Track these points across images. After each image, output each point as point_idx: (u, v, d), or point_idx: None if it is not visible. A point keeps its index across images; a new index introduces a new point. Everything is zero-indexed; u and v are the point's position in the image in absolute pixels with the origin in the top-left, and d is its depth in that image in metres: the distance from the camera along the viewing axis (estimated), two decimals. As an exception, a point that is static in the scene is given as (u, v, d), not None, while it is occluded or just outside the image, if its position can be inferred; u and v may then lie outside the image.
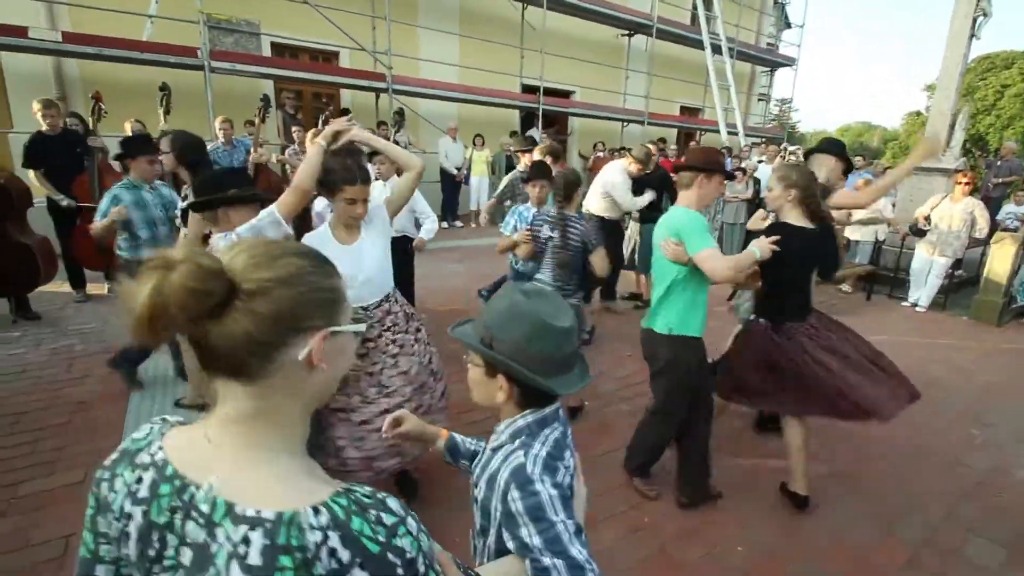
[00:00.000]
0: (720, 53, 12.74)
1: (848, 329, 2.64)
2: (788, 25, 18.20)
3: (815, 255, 2.50)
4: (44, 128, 4.51)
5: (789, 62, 16.17)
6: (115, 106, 5.31)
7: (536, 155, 4.50)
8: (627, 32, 12.65)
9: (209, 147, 6.00)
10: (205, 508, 0.61)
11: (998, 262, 5.81)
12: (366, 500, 0.64)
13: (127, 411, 3.13)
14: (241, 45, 7.91)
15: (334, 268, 0.74)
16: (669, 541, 2.38)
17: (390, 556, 0.61)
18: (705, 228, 2.29)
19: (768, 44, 16.84)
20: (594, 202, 5.20)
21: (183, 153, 3.13)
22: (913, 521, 2.61)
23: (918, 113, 31.48)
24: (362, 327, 0.78)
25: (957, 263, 6.15)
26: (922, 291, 6.18)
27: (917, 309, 6.19)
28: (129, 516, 0.65)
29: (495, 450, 1.09)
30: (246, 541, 0.58)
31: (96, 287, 5.13)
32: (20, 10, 6.42)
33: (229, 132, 5.63)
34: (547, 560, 0.91)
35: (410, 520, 0.66)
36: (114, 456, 0.72)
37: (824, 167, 3.11)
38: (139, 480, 0.66)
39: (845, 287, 6.72)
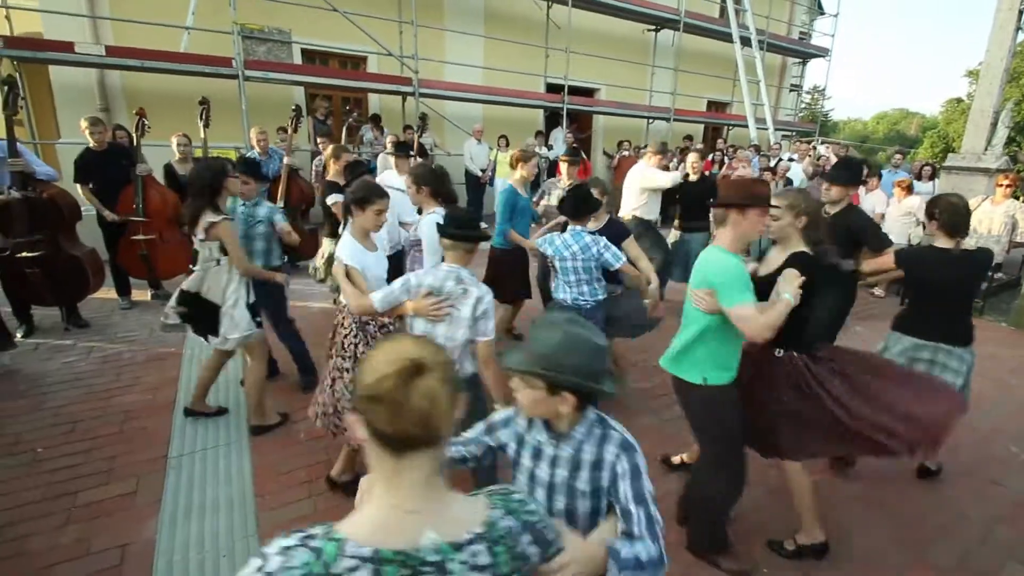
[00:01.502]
0: (750, 46, 12.45)
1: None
2: (821, 12, 17.66)
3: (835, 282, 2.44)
4: (92, 144, 4.71)
5: (822, 53, 15.66)
6: (156, 116, 5.51)
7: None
8: (653, 27, 12.46)
9: (245, 156, 6.22)
10: (435, 558, 0.77)
11: (1042, 267, 5.61)
12: (497, 492, 0.92)
13: (172, 424, 3.29)
14: (273, 54, 8.10)
15: None
16: (692, 563, 2.40)
17: (537, 523, 0.90)
18: (742, 278, 2.02)
19: (800, 34, 16.35)
20: (631, 202, 5.17)
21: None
22: (946, 546, 2.58)
23: (959, 100, 30.20)
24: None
25: (996, 267, 5.94)
26: (960, 296, 6.00)
27: (954, 315, 6.01)
28: None
29: (576, 447, 1.34)
30: (473, 554, 0.79)
31: (140, 294, 5.37)
32: (66, 26, 6.71)
33: (265, 143, 5.80)
34: (632, 508, 1.24)
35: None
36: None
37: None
38: None
39: (878, 291, 6.56)
